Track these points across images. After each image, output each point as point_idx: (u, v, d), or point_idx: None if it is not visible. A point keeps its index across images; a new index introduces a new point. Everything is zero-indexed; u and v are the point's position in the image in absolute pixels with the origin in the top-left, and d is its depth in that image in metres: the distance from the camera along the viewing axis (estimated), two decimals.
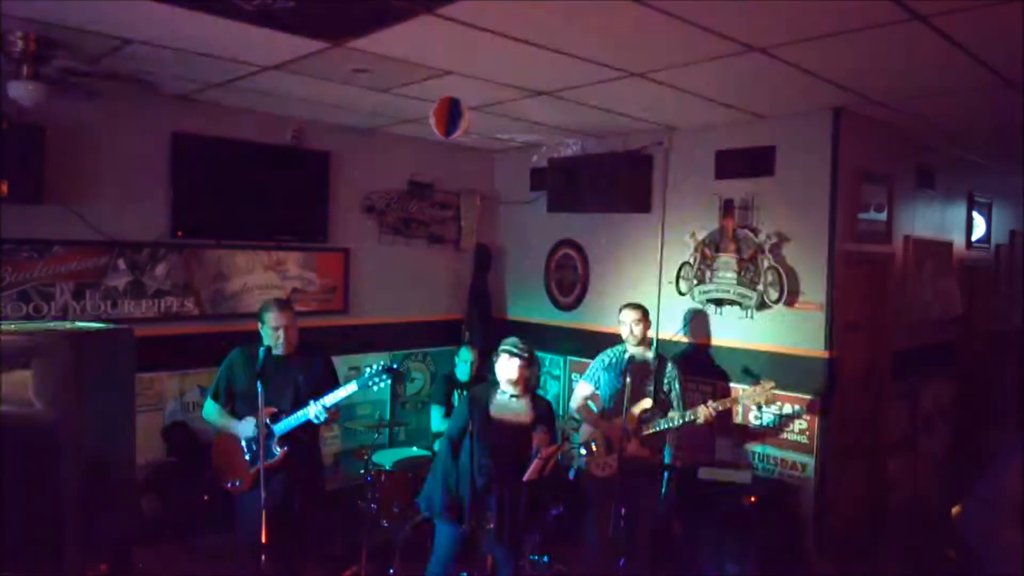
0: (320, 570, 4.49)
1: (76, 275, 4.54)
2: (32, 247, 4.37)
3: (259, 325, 3.87)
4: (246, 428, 3.77)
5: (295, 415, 3.72)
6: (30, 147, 4.10)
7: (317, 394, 3.74)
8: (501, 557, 3.73)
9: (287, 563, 3.67)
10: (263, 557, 3.27)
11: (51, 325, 3.98)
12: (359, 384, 3.72)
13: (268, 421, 3.69)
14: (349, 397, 3.75)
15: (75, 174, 4.47)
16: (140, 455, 3.91)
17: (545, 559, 4.54)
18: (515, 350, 3.66)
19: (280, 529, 3.47)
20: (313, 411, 3.69)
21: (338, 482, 5.38)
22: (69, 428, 3.17)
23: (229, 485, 3.86)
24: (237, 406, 3.87)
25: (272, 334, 3.79)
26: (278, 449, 3.71)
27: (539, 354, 6.44)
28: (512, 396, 3.70)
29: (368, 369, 3.76)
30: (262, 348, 3.57)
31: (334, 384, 3.85)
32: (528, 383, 3.72)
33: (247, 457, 3.79)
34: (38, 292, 4.41)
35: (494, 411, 3.69)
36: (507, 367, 3.65)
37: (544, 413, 3.74)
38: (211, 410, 3.92)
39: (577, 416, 4.67)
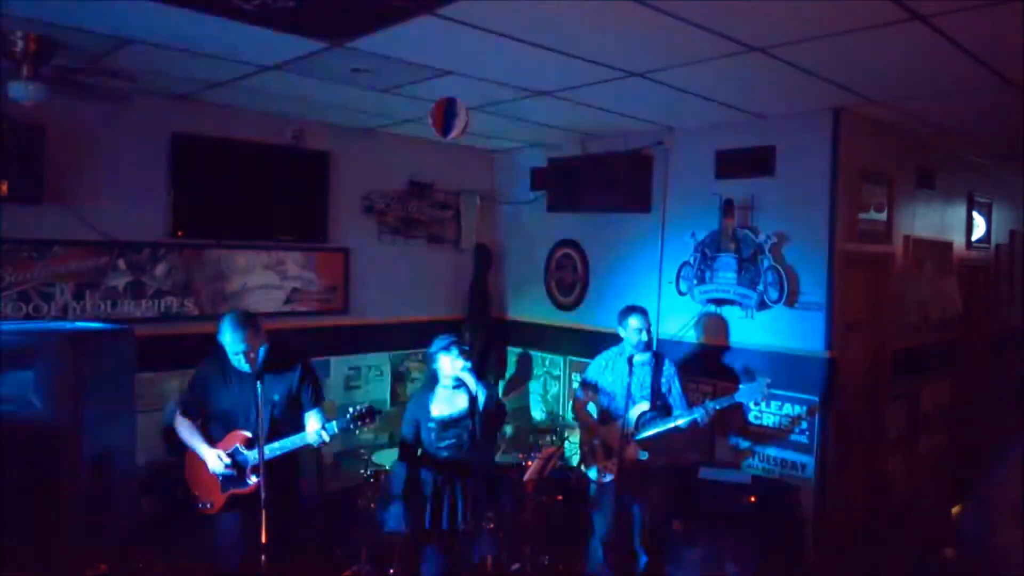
0: (320, 570, 4.49)
1: (76, 275, 4.54)
2: (32, 247, 4.37)
3: (221, 337, 3.45)
4: (215, 462, 3.47)
5: (268, 447, 3.36)
6: (30, 147, 4.10)
7: (295, 414, 3.52)
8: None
9: None
10: (262, 558, 3.23)
11: (51, 325, 4.00)
12: (339, 426, 3.44)
13: (241, 448, 3.48)
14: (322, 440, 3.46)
15: (75, 174, 4.47)
16: (140, 455, 3.91)
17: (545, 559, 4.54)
18: (457, 348, 3.84)
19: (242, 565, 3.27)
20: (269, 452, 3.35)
21: (338, 482, 5.38)
22: (69, 428, 3.19)
23: (200, 506, 3.58)
24: (210, 426, 3.59)
25: (233, 358, 3.45)
26: (252, 479, 3.40)
27: (539, 354, 6.58)
28: (454, 388, 3.87)
29: (350, 411, 3.45)
30: (264, 347, 3.43)
31: (316, 397, 3.65)
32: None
33: (220, 480, 3.52)
34: (38, 292, 4.41)
35: (439, 408, 3.86)
36: (453, 364, 3.81)
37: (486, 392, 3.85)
38: (183, 427, 3.62)
39: (575, 420, 4.66)
